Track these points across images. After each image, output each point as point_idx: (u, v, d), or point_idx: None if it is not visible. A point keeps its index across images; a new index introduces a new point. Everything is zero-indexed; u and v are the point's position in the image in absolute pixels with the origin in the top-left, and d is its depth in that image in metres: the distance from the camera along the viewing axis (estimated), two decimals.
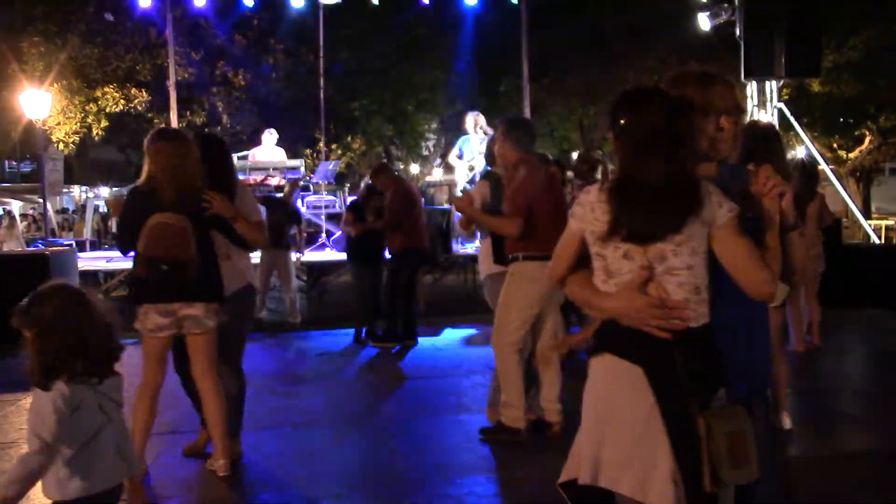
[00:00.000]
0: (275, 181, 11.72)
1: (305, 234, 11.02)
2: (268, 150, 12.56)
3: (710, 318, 2.16)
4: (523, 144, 4.66)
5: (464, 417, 5.17)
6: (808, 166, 6.72)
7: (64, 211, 26.83)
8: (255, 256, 9.69)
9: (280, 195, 10.03)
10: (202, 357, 4.10)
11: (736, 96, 2.36)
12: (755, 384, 2.35)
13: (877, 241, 12.99)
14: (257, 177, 11.83)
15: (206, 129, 20.16)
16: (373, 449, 4.67)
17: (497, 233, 4.71)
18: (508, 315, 4.59)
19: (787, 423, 4.56)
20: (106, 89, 18.43)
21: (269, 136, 12.63)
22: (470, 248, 10.20)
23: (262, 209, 10.62)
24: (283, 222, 9.02)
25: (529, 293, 4.52)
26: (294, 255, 9.61)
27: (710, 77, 2.32)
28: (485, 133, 9.75)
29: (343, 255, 10.59)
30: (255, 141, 13.00)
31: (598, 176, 7.12)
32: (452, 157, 10.97)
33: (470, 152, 10.01)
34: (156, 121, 19.64)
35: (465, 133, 10.14)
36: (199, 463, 4.41)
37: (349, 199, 12.22)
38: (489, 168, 5.35)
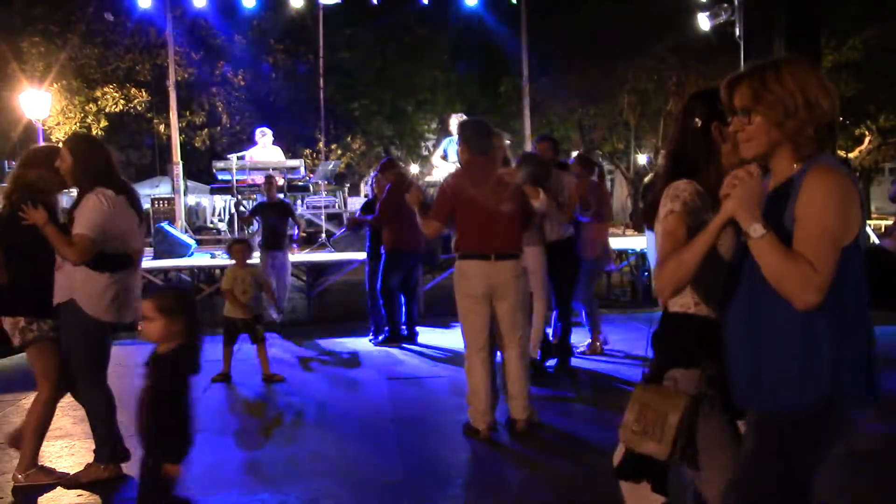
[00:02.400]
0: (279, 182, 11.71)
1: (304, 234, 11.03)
2: (264, 149, 12.54)
3: (693, 309, 2.37)
4: (472, 146, 4.80)
5: (464, 417, 5.17)
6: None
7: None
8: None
9: (281, 196, 10.03)
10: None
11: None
12: (749, 400, 2.17)
13: (876, 241, 12.99)
14: (258, 177, 11.83)
15: (206, 129, 20.22)
16: (372, 449, 4.67)
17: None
18: (461, 311, 4.76)
19: None
20: (106, 89, 18.44)
21: (263, 136, 12.58)
22: None
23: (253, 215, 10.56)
24: (281, 224, 9.01)
25: (467, 289, 4.68)
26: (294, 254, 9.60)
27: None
28: None
29: (341, 255, 10.61)
30: (255, 141, 13.01)
31: (594, 177, 7.12)
32: (437, 158, 11.00)
33: (454, 154, 10.01)
34: (155, 121, 19.68)
35: (450, 135, 10.18)
36: (198, 464, 4.41)
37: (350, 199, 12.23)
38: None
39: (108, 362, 4.27)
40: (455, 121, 9.95)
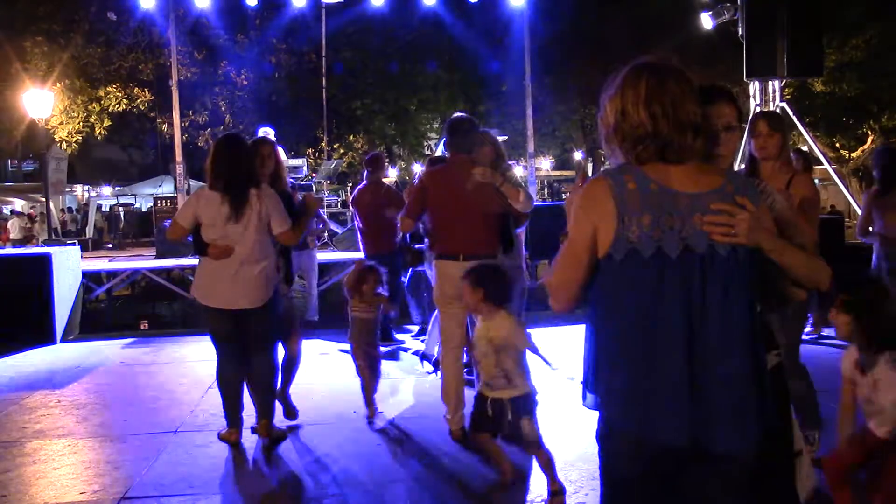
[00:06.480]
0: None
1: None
2: None
3: None
4: (452, 144, 4.72)
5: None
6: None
7: (68, 210, 26.91)
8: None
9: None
10: None
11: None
12: None
13: None
14: None
15: (209, 129, 20.24)
16: (372, 449, 4.67)
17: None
18: (437, 308, 4.75)
19: None
20: (109, 89, 18.48)
21: (265, 135, 12.60)
22: None
23: None
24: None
25: (440, 288, 4.62)
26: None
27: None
28: None
29: (344, 255, 10.60)
30: None
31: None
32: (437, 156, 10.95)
33: None
34: (158, 120, 19.71)
35: None
36: (200, 461, 4.43)
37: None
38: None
39: None
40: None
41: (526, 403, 3.72)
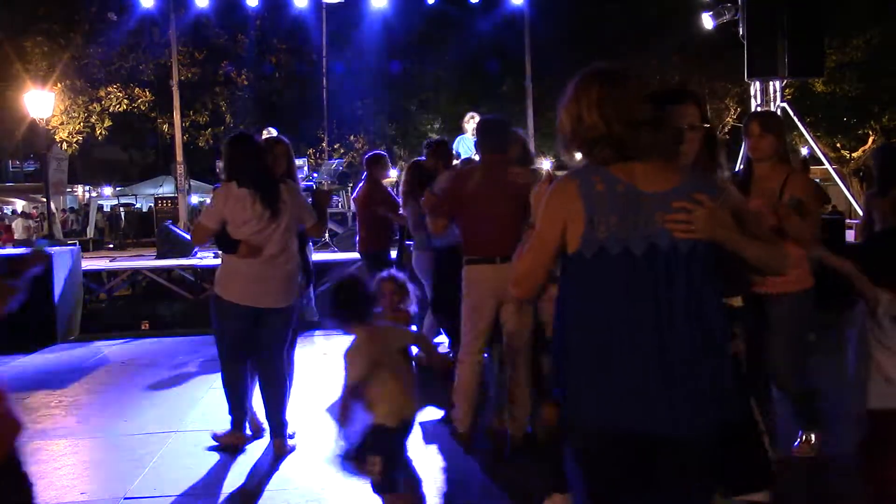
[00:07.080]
0: None
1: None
2: None
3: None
4: (482, 146, 4.65)
5: None
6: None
7: (70, 210, 26.92)
8: None
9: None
10: None
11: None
12: None
13: None
14: None
15: (210, 129, 20.25)
16: None
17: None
18: (466, 313, 4.52)
19: None
20: (109, 89, 18.47)
21: (268, 136, 12.58)
22: None
23: None
24: None
25: (474, 297, 4.44)
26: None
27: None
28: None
29: (343, 255, 10.60)
30: None
31: None
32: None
33: (466, 151, 9.91)
34: (159, 120, 19.71)
35: (463, 133, 10.07)
36: (200, 461, 4.43)
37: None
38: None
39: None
40: (468, 118, 9.84)
41: (374, 438, 3.34)
